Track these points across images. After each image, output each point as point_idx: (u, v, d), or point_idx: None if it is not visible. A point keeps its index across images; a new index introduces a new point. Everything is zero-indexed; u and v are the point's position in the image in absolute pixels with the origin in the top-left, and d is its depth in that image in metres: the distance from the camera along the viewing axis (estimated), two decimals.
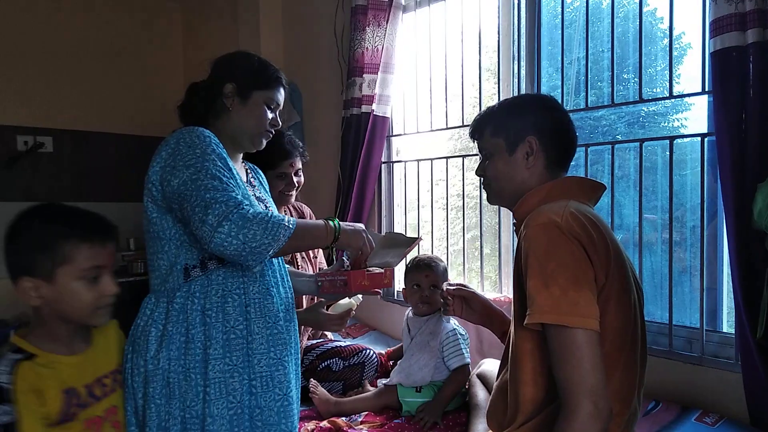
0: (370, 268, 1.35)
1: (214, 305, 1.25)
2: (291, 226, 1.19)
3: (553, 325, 0.98)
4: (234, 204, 1.14)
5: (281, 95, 1.42)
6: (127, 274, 3.42)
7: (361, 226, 1.38)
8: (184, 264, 1.25)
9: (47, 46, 3.52)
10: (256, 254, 1.15)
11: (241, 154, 1.46)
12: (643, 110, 1.97)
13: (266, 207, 1.44)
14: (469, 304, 1.49)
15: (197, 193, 1.15)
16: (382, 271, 1.36)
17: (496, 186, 1.25)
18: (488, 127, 1.24)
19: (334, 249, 1.39)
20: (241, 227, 1.13)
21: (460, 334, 1.80)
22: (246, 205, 1.17)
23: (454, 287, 1.50)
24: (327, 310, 1.67)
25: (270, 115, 1.39)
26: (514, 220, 1.25)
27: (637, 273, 1.73)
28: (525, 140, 1.19)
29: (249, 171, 1.51)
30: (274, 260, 1.39)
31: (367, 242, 1.35)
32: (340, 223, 1.32)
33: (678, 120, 1.92)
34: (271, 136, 1.42)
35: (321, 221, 1.31)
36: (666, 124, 1.95)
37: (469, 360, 1.77)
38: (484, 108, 1.40)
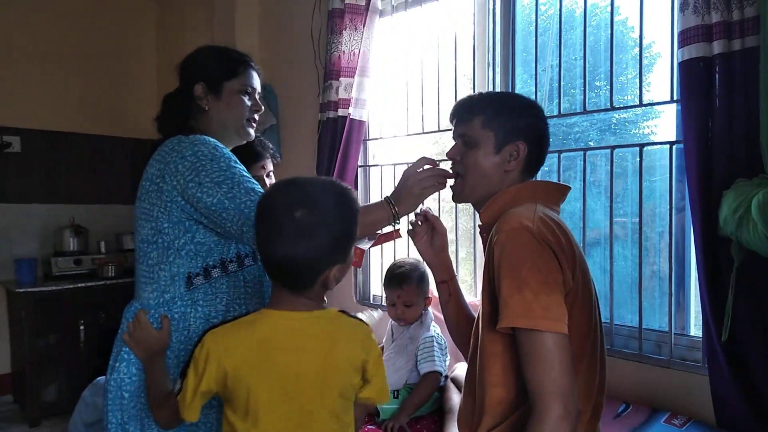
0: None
1: (219, 313, 1.24)
2: None
3: (525, 329, 1.00)
4: None
5: (254, 78, 1.39)
6: (97, 278, 3.36)
7: (404, 177, 1.29)
8: (186, 272, 1.23)
9: (15, 44, 3.44)
10: None
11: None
12: (615, 117, 2.01)
13: None
14: (433, 238, 1.40)
15: (240, 212, 1.15)
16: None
17: (471, 180, 1.23)
18: (481, 116, 1.22)
19: None
20: None
21: (438, 343, 1.78)
22: None
23: (431, 216, 1.40)
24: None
25: (248, 102, 1.36)
26: (479, 224, 1.26)
27: (608, 277, 1.77)
28: (515, 143, 1.19)
29: None
30: None
31: (420, 186, 1.27)
32: (390, 196, 1.28)
33: (648, 127, 1.97)
34: (255, 123, 1.40)
35: (378, 201, 1.29)
36: (636, 131, 1.99)
37: (440, 368, 1.73)
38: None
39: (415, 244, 1.42)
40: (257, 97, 1.40)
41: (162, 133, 1.35)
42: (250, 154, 1.89)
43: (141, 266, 1.27)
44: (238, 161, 1.24)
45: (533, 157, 1.22)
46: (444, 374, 1.76)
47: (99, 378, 2.31)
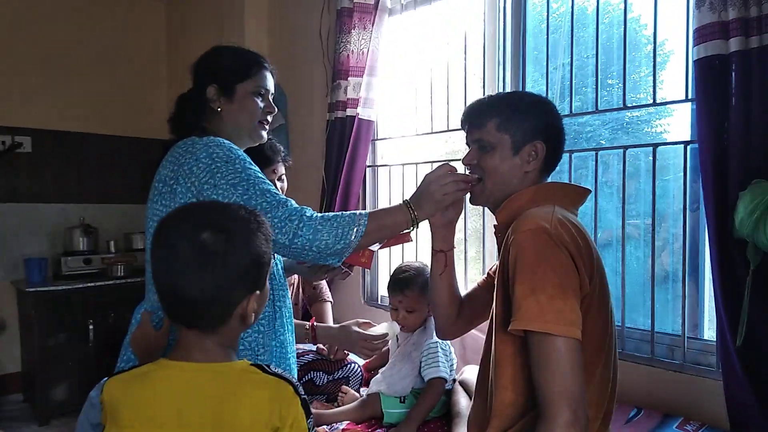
0: None
1: None
2: (363, 223, 1.20)
3: (537, 333, 0.98)
4: (297, 217, 1.16)
5: (267, 80, 1.37)
6: (106, 277, 3.36)
7: (425, 180, 1.25)
8: None
9: (26, 44, 3.46)
10: (335, 256, 1.19)
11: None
12: (627, 116, 1.97)
13: None
14: (449, 208, 1.30)
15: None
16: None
17: (491, 183, 1.21)
18: (494, 119, 1.20)
19: None
20: (312, 240, 1.16)
21: (442, 348, 1.74)
22: (307, 210, 1.19)
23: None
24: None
25: (261, 104, 1.35)
26: (495, 224, 1.24)
27: (619, 279, 1.74)
28: (532, 143, 1.18)
29: None
30: (279, 270, 1.37)
31: (441, 192, 1.23)
32: (409, 199, 1.25)
33: (661, 125, 1.93)
34: (268, 125, 1.39)
35: (397, 204, 1.26)
36: (649, 129, 1.96)
37: (444, 373, 1.69)
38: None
39: None
40: (270, 98, 1.39)
41: (175, 134, 1.34)
42: (260, 159, 1.87)
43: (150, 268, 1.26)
44: (252, 163, 1.24)
45: (551, 155, 1.21)
46: (448, 380, 1.72)
47: (106, 378, 2.31)
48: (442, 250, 1.37)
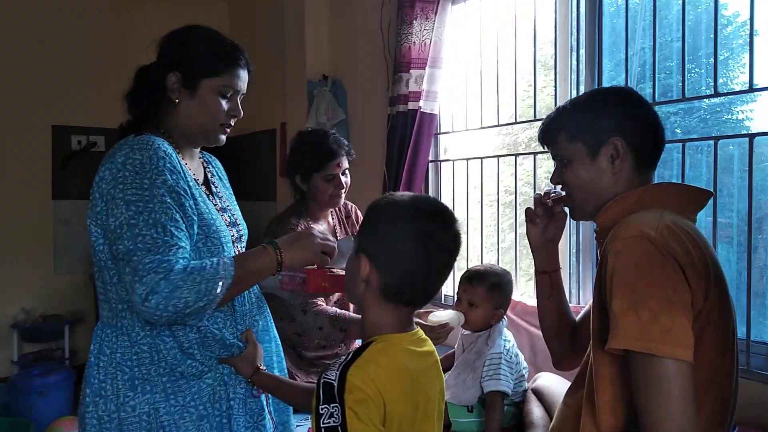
0: (335, 270, 1.21)
1: (193, 342, 1.12)
2: (229, 273, 1.05)
3: (640, 353, 0.87)
4: (163, 271, 0.98)
5: (240, 80, 1.19)
6: None
7: (307, 231, 1.19)
8: None
9: (99, 45, 3.59)
10: (193, 316, 1.04)
11: (199, 149, 1.28)
12: (705, 103, 1.80)
13: (232, 214, 1.29)
14: (548, 225, 1.29)
15: (131, 246, 1.00)
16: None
17: (579, 196, 1.13)
18: (563, 132, 1.12)
19: None
20: (170, 297, 0.97)
21: (506, 360, 1.62)
22: (178, 265, 1.00)
23: (554, 196, 1.27)
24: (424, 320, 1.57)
25: (226, 106, 1.18)
26: (596, 228, 1.14)
27: None
28: (609, 142, 1.07)
29: (206, 165, 1.33)
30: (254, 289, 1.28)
31: (318, 247, 1.15)
32: (278, 241, 1.14)
33: (742, 112, 1.75)
34: (229, 129, 1.23)
35: (260, 247, 1.13)
36: (729, 116, 1.78)
37: (505, 387, 1.57)
38: (553, 107, 1.26)
39: (527, 225, 1.32)
40: (239, 99, 1.21)
41: (130, 111, 1.20)
42: (325, 153, 1.85)
43: (97, 285, 1.15)
44: (170, 189, 1.06)
45: (640, 148, 1.08)
46: (510, 393, 1.60)
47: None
48: (546, 270, 1.31)
